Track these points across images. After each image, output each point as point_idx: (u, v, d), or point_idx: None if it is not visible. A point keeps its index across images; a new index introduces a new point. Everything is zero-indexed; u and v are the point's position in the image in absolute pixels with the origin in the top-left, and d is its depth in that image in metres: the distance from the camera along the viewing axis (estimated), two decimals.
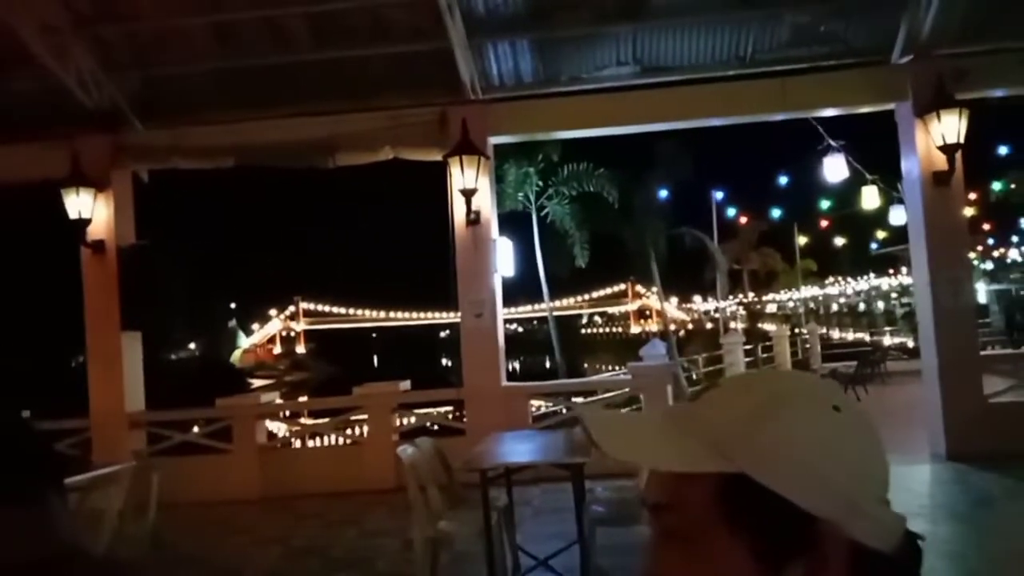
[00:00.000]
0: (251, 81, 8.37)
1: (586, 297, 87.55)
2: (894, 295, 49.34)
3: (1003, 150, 21.06)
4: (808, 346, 20.92)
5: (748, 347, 17.97)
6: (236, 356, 77.54)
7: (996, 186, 25.75)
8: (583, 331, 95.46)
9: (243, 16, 7.88)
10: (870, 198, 13.39)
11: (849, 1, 7.76)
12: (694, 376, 17.82)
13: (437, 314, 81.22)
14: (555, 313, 23.98)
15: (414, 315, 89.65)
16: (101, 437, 8.24)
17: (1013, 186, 26.02)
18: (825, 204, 22.97)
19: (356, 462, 8.27)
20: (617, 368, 21.21)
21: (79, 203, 8.18)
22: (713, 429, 0.67)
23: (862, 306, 59.20)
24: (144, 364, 8.86)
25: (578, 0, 7.80)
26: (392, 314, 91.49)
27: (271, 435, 9.40)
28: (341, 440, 9.69)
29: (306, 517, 7.35)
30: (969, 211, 11.56)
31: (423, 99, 8.21)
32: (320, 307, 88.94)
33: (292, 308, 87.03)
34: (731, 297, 34.02)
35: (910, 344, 22.58)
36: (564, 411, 9.50)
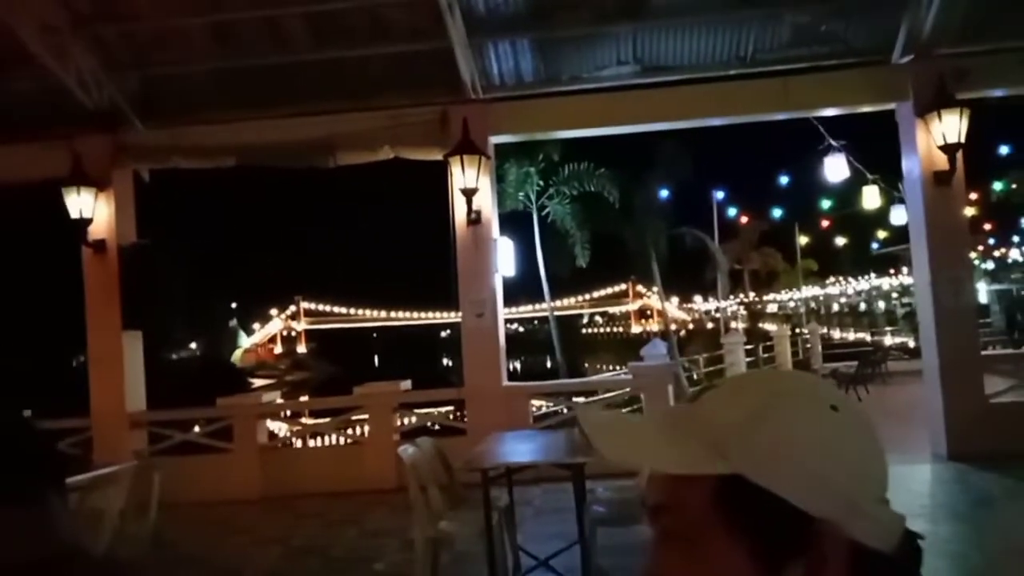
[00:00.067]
0: (251, 81, 8.37)
1: (587, 297, 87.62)
2: (895, 295, 49.31)
3: (1004, 150, 21.07)
4: (809, 346, 20.91)
5: (749, 347, 17.95)
6: (237, 356, 77.59)
7: (997, 186, 25.73)
8: (584, 331, 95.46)
9: (243, 16, 7.87)
10: (871, 198, 13.39)
11: (850, 1, 7.76)
12: (695, 376, 17.80)
13: (438, 314, 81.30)
14: (556, 313, 23.97)
15: (415, 315, 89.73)
16: (102, 437, 8.24)
17: (1014, 186, 26.00)
18: (826, 204, 22.96)
19: (357, 462, 8.28)
20: (618, 368, 21.22)
21: (80, 203, 8.18)
22: (711, 431, 0.67)
23: (863, 306, 59.17)
24: (145, 363, 8.86)
25: (578, 0, 7.80)
26: (393, 314, 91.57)
27: (272, 435, 9.40)
28: (342, 440, 9.69)
29: (307, 517, 7.35)
30: (970, 211, 11.55)
31: (423, 99, 8.20)
32: (321, 307, 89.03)
33: (293, 308, 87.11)
34: (732, 297, 34.05)
35: (911, 344, 22.57)
36: (565, 411, 9.50)
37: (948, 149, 7.53)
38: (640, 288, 79.78)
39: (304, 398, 26.70)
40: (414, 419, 8.82)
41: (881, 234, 28.14)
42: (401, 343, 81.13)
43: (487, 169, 8.06)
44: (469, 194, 7.91)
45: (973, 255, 16.46)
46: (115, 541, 4.53)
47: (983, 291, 33.60)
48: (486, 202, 8.17)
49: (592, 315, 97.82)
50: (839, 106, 8.50)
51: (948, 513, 6.20)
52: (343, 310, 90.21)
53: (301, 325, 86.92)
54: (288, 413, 10.80)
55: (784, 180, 20.69)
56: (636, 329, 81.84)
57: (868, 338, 32.53)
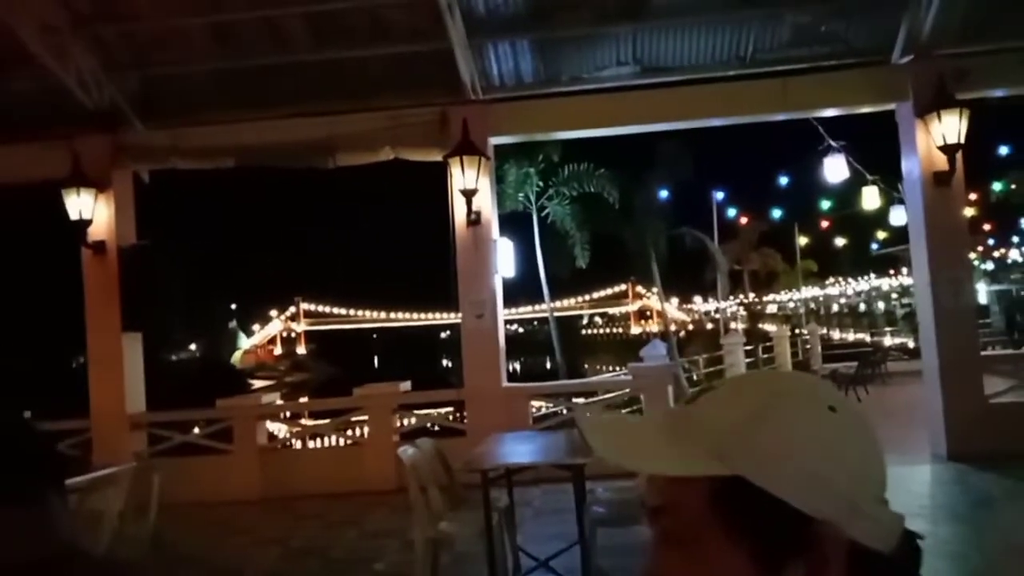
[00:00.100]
0: (250, 81, 8.37)
1: (587, 298, 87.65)
2: (895, 295, 49.36)
3: (1004, 150, 21.08)
4: (809, 347, 20.90)
5: (749, 348, 17.95)
6: (237, 357, 77.64)
7: (997, 186, 25.72)
8: (584, 332, 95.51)
9: (242, 16, 7.87)
10: (870, 198, 13.38)
11: (850, 1, 7.76)
12: (695, 377, 17.80)
13: (438, 315, 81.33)
14: (556, 314, 23.97)
15: (415, 316, 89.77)
16: (102, 438, 8.23)
17: (1014, 186, 25.99)
18: (826, 204, 22.98)
19: (356, 463, 8.27)
20: (618, 369, 21.21)
21: (80, 203, 8.18)
22: (709, 432, 0.66)
23: (863, 306, 59.23)
24: (145, 365, 8.86)
25: (578, 0, 7.80)
26: (393, 315, 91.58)
27: (271, 436, 9.40)
28: (342, 441, 9.69)
29: (306, 518, 7.35)
30: (970, 211, 11.56)
31: (423, 99, 8.21)
32: (321, 308, 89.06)
33: (293, 309, 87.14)
34: (731, 298, 34.03)
35: (911, 345, 22.58)
36: (564, 412, 9.50)
37: (948, 149, 7.53)
38: (640, 289, 79.81)
39: (304, 399, 26.73)
40: (414, 420, 8.83)
41: (881, 235, 28.16)
42: (401, 344, 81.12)
43: (487, 170, 8.06)
44: (469, 195, 7.91)
45: (973, 256, 16.46)
46: (115, 542, 4.53)
47: (983, 292, 33.63)
48: (486, 203, 8.17)
49: (592, 316, 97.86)
50: (839, 106, 8.50)
51: (948, 514, 6.20)
52: (343, 311, 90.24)
53: (301, 326, 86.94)
54: (288, 414, 10.81)
55: (784, 181, 20.70)
56: (636, 330, 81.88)
57: (868, 339, 32.56)
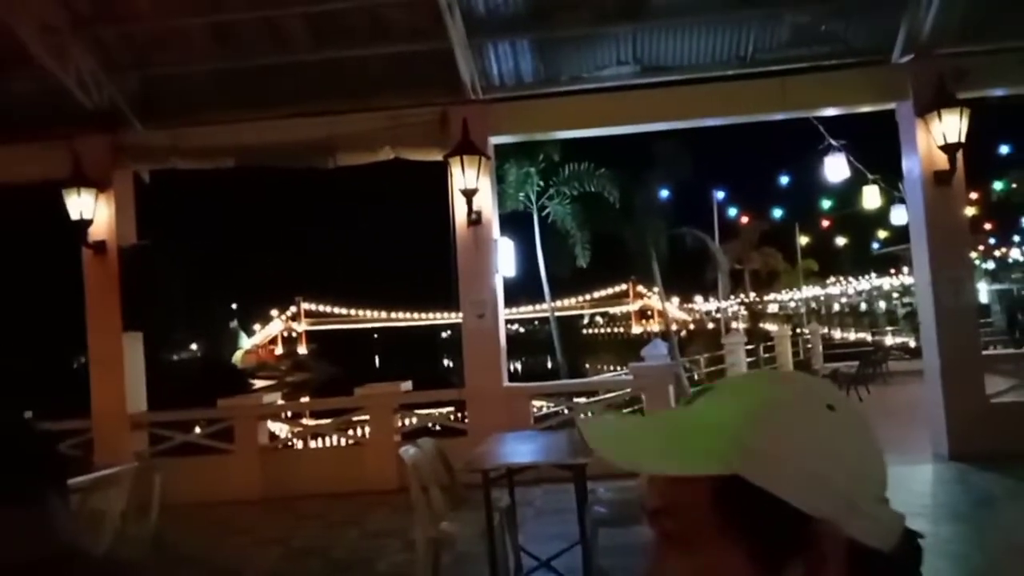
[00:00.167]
0: (250, 81, 8.37)
1: (587, 297, 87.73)
2: (896, 295, 49.27)
3: (1004, 149, 21.10)
4: (810, 346, 20.91)
5: (750, 347, 17.95)
6: (237, 357, 77.69)
7: (997, 185, 25.71)
8: (584, 331, 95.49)
9: (242, 16, 7.87)
10: (871, 198, 13.38)
11: (849, 1, 7.76)
12: (696, 376, 17.80)
13: (438, 314, 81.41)
14: (556, 313, 23.98)
15: (415, 315, 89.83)
16: (102, 438, 8.24)
17: (1014, 185, 25.97)
18: (826, 204, 22.97)
19: (358, 463, 8.27)
20: (618, 368, 21.21)
21: (80, 204, 8.18)
22: (709, 432, 0.66)
23: (864, 306, 59.15)
24: (145, 365, 8.86)
25: (578, 0, 7.80)
26: (393, 314, 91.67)
27: (272, 436, 9.39)
28: (343, 441, 9.69)
29: (307, 518, 7.35)
30: (970, 211, 11.54)
31: (423, 99, 8.20)
32: (321, 307, 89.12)
33: (293, 309, 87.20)
34: (732, 297, 34.06)
35: (912, 344, 22.56)
36: (566, 412, 9.50)
37: (948, 149, 7.53)
38: (640, 288, 79.84)
39: (305, 399, 26.73)
40: (415, 420, 8.82)
41: (881, 234, 28.14)
42: (402, 344, 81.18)
43: (487, 169, 8.06)
44: (469, 195, 7.90)
45: (973, 255, 16.45)
46: (116, 542, 4.54)
47: (984, 291, 33.59)
48: (486, 203, 8.17)
49: (593, 315, 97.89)
50: (839, 106, 8.49)
51: (949, 513, 6.20)
52: (343, 311, 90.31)
53: (302, 326, 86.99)
54: (289, 414, 10.80)
55: (784, 180, 20.73)
56: (637, 329, 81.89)
57: (869, 338, 32.52)
